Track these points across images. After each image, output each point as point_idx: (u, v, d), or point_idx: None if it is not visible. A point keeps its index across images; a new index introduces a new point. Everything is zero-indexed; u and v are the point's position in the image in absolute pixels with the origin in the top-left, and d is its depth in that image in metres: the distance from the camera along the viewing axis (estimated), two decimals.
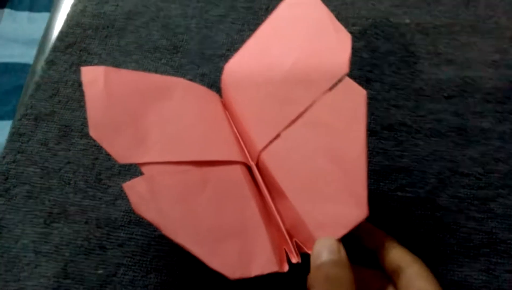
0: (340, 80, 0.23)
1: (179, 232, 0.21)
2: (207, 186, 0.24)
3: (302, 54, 0.26)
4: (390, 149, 0.31)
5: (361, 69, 0.35)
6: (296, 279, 0.24)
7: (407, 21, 0.37)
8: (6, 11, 1.05)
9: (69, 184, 0.30)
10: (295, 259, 0.23)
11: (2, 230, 0.29)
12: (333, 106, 0.23)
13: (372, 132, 0.32)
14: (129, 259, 0.28)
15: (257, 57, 0.29)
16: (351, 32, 0.37)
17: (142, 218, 0.22)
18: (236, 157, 0.26)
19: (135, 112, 0.25)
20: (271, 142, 0.26)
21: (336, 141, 0.23)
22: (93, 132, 0.23)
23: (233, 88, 0.29)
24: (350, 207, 0.22)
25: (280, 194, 0.24)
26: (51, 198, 0.30)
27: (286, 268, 0.22)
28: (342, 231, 0.21)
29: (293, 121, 0.25)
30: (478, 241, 0.28)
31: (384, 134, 0.32)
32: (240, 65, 0.30)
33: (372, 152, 0.31)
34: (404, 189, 0.30)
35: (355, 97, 0.22)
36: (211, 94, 0.30)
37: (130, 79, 0.26)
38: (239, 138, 0.28)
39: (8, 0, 1.08)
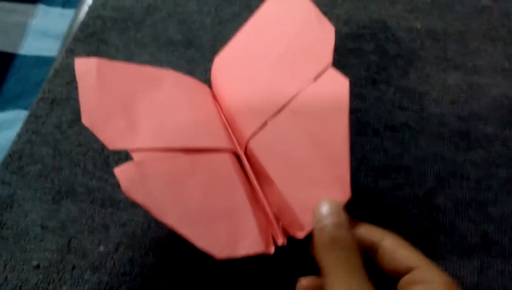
0: (324, 70, 0.24)
1: (168, 214, 0.22)
2: (196, 172, 0.25)
3: (288, 47, 0.27)
4: (391, 149, 0.32)
5: (368, 70, 0.35)
6: (283, 263, 0.24)
7: (419, 26, 0.38)
8: (40, 6, 1.10)
9: (79, 165, 0.32)
10: (281, 241, 0.23)
11: (13, 205, 0.30)
12: (317, 95, 0.25)
13: (374, 131, 0.32)
14: (129, 238, 0.29)
15: (245, 50, 0.30)
16: (361, 35, 0.38)
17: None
18: (225, 144, 0.27)
19: (126, 101, 0.26)
20: (258, 130, 0.26)
21: (321, 129, 0.24)
22: (85, 120, 0.24)
23: (222, 80, 0.30)
24: (334, 190, 0.22)
25: (268, 180, 0.25)
26: (61, 177, 0.31)
27: (272, 250, 0.23)
28: None
29: (279, 110, 0.26)
30: (473, 242, 0.28)
31: (386, 134, 0.32)
32: (228, 58, 0.31)
33: (373, 151, 0.32)
34: (402, 188, 0.30)
35: (339, 86, 0.24)
36: (200, 85, 0.31)
37: (121, 71, 0.28)
38: (228, 127, 0.29)
39: None
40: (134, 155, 0.24)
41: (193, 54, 0.37)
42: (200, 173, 0.25)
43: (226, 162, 0.26)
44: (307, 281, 0.23)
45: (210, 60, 0.37)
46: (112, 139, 0.24)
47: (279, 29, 0.28)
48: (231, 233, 0.23)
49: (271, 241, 0.24)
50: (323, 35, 0.26)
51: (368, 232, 0.22)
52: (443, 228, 0.29)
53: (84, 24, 0.40)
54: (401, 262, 0.21)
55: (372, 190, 0.30)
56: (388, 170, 0.31)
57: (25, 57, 1.02)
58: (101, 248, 0.29)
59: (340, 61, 0.36)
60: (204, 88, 0.31)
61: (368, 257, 0.22)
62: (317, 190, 0.23)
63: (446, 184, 0.30)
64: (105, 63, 0.27)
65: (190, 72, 0.36)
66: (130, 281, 0.27)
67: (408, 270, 0.21)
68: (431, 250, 0.28)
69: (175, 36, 0.38)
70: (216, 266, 0.27)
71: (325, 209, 0.22)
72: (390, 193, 0.30)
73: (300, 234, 0.23)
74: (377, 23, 0.38)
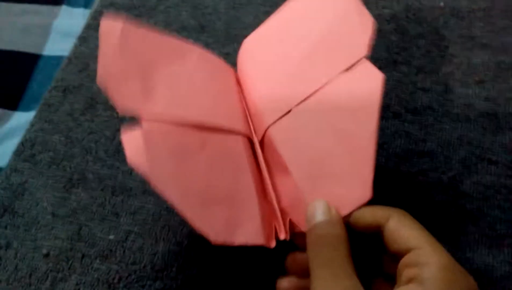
0: (359, 62, 0.23)
1: (168, 188, 0.21)
2: (205, 149, 0.23)
3: (323, 35, 0.25)
4: (414, 133, 0.30)
5: (389, 51, 0.34)
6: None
7: (441, 4, 0.36)
8: (63, 7, 1.11)
9: (90, 153, 0.31)
10: (283, 235, 0.22)
11: (25, 193, 0.30)
12: (348, 87, 0.23)
13: (395, 115, 0.31)
14: (139, 227, 0.28)
15: (277, 35, 0.29)
16: (381, 15, 0.36)
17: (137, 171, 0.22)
18: (240, 128, 0.26)
19: (145, 67, 0.25)
20: (280, 118, 0.25)
21: (347, 122, 0.22)
22: (100, 79, 0.22)
23: (249, 63, 0.29)
24: (354, 188, 0.21)
25: (283, 170, 0.23)
26: (72, 165, 0.31)
27: (273, 244, 0.22)
28: (343, 211, 0.21)
29: (306, 99, 0.24)
30: (502, 230, 0.26)
31: (408, 117, 0.31)
32: (259, 41, 0.30)
33: (394, 135, 0.30)
34: (425, 174, 0.28)
35: (372, 80, 0.22)
36: (226, 66, 0.30)
37: (147, 37, 0.26)
38: (248, 113, 0.27)
39: None
40: (144, 124, 0.23)
41: (206, 39, 0.36)
42: (209, 151, 0.23)
43: (237, 144, 0.25)
44: (287, 281, 0.22)
45: (224, 45, 0.36)
46: (125, 102, 0.23)
47: (316, 16, 0.27)
48: (231, 219, 0.22)
49: (273, 234, 0.22)
50: (361, 26, 0.24)
51: (373, 215, 0.21)
52: (471, 216, 0.27)
53: (97, 12, 0.39)
54: (402, 243, 0.19)
55: (393, 177, 0.29)
56: (411, 155, 0.29)
57: (48, 57, 1.04)
58: (111, 236, 0.28)
59: None
60: (228, 69, 0.30)
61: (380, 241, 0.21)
62: (335, 187, 0.21)
63: (473, 169, 0.28)
64: (131, 27, 0.25)
65: None
66: (139, 270, 0.27)
67: (408, 251, 0.19)
68: (458, 240, 0.26)
69: (188, 22, 0.37)
70: (227, 256, 0.26)
71: (315, 209, 0.21)
72: (412, 180, 0.28)
73: None
74: (398, 3, 0.37)
